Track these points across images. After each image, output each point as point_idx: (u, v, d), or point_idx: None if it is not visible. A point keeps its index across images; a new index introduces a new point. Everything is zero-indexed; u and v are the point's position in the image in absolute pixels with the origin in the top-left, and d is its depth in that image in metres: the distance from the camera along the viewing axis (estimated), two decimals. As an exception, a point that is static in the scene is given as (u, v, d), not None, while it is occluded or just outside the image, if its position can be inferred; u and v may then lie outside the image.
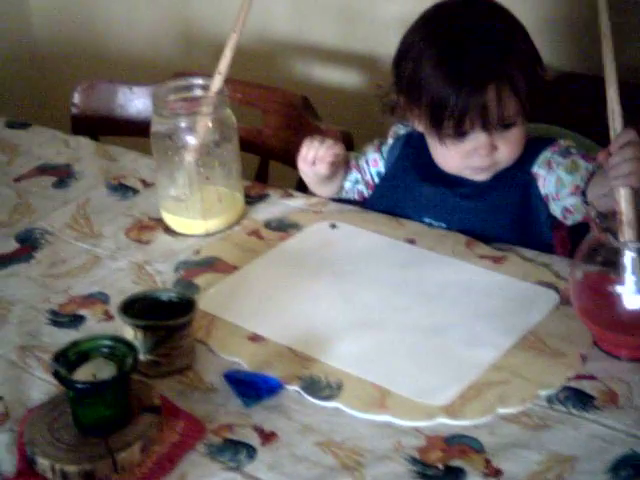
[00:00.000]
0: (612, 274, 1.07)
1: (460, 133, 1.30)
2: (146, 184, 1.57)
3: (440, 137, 1.32)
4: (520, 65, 1.28)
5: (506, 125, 1.30)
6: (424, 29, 1.32)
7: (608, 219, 1.07)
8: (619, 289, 1.06)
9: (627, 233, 1.06)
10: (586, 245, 1.09)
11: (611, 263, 1.07)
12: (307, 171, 1.44)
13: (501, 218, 1.35)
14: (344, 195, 1.52)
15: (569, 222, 1.32)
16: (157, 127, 1.41)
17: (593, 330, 1.12)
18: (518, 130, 1.31)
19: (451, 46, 1.28)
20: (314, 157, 1.41)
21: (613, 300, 1.07)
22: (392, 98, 1.39)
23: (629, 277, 1.06)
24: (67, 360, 1.01)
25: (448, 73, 1.27)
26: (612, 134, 1.10)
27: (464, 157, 1.32)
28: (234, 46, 1.38)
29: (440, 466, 0.97)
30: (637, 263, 1.06)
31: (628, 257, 1.06)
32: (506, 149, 1.32)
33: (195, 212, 1.42)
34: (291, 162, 1.74)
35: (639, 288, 1.06)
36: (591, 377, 1.08)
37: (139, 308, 1.14)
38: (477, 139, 1.30)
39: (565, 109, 1.59)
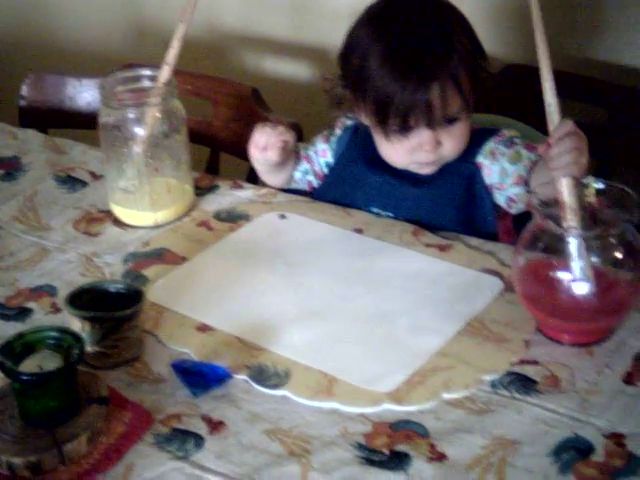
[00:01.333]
0: (554, 260, 1.09)
1: (405, 129, 1.31)
2: (95, 176, 1.56)
3: (385, 133, 1.33)
4: (464, 62, 1.29)
5: (450, 120, 1.31)
6: (370, 24, 1.32)
7: (550, 206, 1.09)
8: (561, 275, 1.08)
9: (570, 219, 1.07)
10: (528, 232, 1.11)
11: (553, 250, 1.09)
12: (258, 157, 1.44)
13: (447, 207, 1.37)
14: (294, 186, 1.52)
15: (513, 211, 1.34)
16: (105, 118, 1.41)
17: (536, 316, 1.13)
18: (462, 125, 1.33)
19: (396, 43, 1.29)
20: (265, 143, 1.41)
21: (555, 286, 1.08)
22: (339, 91, 1.39)
23: (573, 263, 1.07)
24: (12, 352, 1.01)
25: (393, 70, 1.28)
26: (550, 126, 1.11)
27: (409, 153, 1.34)
28: (182, 36, 1.38)
29: (386, 451, 0.99)
30: (581, 249, 1.07)
31: (572, 243, 1.07)
32: (450, 144, 1.33)
33: (144, 204, 1.42)
34: (241, 154, 1.74)
35: (583, 274, 1.08)
36: (534, 362, 1.09)
37: (87, 300, 1.14)
38: (421, 135, 1.31)
39: (511, 99, 1.61)
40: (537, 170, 1.21)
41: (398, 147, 1.34)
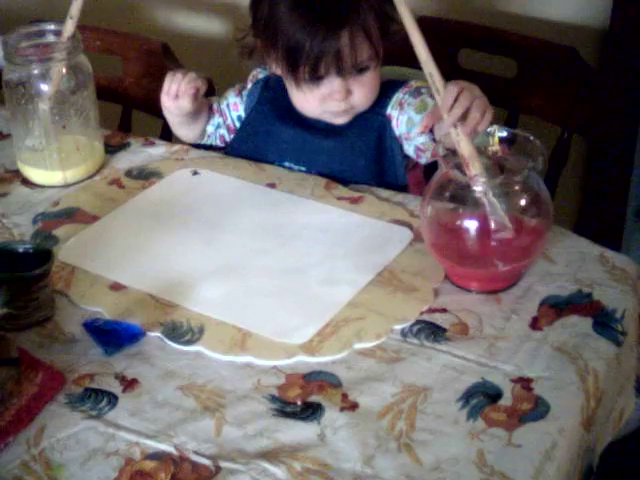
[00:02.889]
0: (460, 209, 1.10)
1: (315, 78, 1.31)
2: (2, 135, 1.53)
3: (296, 81, 1.33)
4: (373, 11, 1.30)
5: (360, 69, 1.32)
6: None
7: (455, 155, 1.10)
8: (467, 224, 1.09)
9: (473, 167, 1.08)
10: (435, 182, 1.12)
11: (459, 199, 1.10)
12: (170, 106, 1.42)
13: (359, 160, 1.37)
14: (207, 140, 1.51)
15: (422, 161, 1.35)
16: (9, 75, 1.38)
17: (444, 265, 1.15)
18: (372, 74, 1.33)
19: None
20: (177, 90, 1.39)
21: (462, 235, 1.10)
22: (250, 41, 1.38)
23: (489, 213, 1.08)
24: None
25: (303, 18, 1.27)
26: (437, 96, 1.11)
27: (321, 101, 1.34)
28: (86, -11, 1.35)
29: (299, 402, 0.99)
30: (491, 196, 1.08)
31: (479, 191, 1.08)
32: (361, 93, 1.33)
33: (52, 162, 1.39)
34: (154, 110, 1.72)
35: (499, 219, 1.08)
36: (443, 310, 1.11)
37: (-6, 261, 1.12)
38: (332, 84, 1.32)
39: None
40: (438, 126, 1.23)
41: (309, 96, 1.34)
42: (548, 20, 1.79)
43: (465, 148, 1.08)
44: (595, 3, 1.75)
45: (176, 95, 1.39)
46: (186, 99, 1.39)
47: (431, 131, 1.26)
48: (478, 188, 1.08)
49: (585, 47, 1.65)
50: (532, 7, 1.80)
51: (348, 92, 1.32)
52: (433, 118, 1.14)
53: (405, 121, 1.34)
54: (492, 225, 1.08)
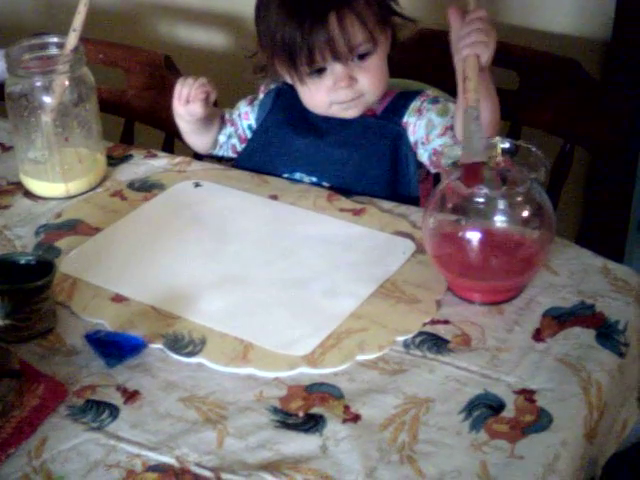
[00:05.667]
0: (462, 221, 1.10)
1: (315, 68, 1.32)
2: (5, 148, 1.54)
3: (300, 78, 1.34)
4: None
5: (361, 56, 1.32)
6: None
7: (458, 168, 1.10)
8: (469, 235, 1.09)
9: (472, 98, 1.12)
10: (437, 193, 1.12)
11: (461, 210, 1.10)
12: (182, 112, 1.43)
13: (372, 169, 1.37)
14: (218, 150, 1.52)
15: (434, 168, 1.34)
16: (12, 88, 1.38)
17: (446, 276, 1.15)
18: (375, 60, 1.34)
19: None
20: (187, 95, 1.40)
21: (464, 246, 1.10)
22: (259, 57, 1.39)
23: (470, 136, 1.10)
24: None
25: (290, 11, 1.29)
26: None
27: (327, 93, 1.34)
28: (88, 1, 1.35)
29: (301, 414, 0.99)
30: (476, 124, 1.11)
31: (470, 116, 1.11)
32: (366, 79, 1.34)
33: (55, 174, 1.39)
34: (156, 123, 1.73)
35: (476, 145, 1.10)
36: (445, 321, 1.11)
37: (-4, 273, 1.12)
38: (334, 72, 1.32)
39: (429, 66, 1.61)
40: (457, 115, 1.25)
41: (315, 90, 1.35)
42: (550, 32, 1.79)
43: (470, 74, 1.14)
44: (597, 15, 1.75)
45: (187, 100, 1.40)
46: (197, 104, 1.40)
47: (451, 129, 1.27)
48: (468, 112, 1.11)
49: (587, 59, 1.65)
50: (534, 19, 1.80)
51: (352, 79, 1.33)
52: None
53: (424, 124, 1.34)
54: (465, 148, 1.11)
